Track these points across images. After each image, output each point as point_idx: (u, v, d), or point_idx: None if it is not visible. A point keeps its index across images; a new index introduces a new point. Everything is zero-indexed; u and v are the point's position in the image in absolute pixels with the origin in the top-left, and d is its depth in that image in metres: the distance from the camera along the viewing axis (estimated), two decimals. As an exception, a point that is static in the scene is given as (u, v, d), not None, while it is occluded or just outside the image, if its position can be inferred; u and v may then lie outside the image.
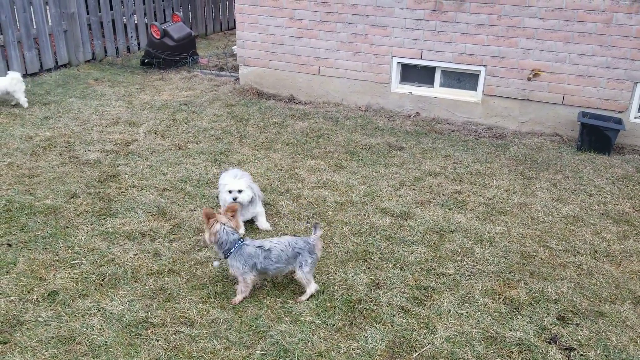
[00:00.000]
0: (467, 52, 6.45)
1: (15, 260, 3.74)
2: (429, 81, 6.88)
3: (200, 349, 3.04)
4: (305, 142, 5.90)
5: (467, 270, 3.78)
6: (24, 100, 6.47)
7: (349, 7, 6.83)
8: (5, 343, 3.04)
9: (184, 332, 3.16)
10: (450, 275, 3.73)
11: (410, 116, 6.84)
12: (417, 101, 6.89)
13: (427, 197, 4.80)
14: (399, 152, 5.73)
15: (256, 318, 3.29)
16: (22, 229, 4.10)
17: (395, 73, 6.93)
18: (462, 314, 3.36)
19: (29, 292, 3.44)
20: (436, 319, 3.32)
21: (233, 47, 8.50)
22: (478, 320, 3.32)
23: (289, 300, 3.44)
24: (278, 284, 3.60)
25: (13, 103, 6.52)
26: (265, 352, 3.04)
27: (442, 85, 6.85)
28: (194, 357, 2.99)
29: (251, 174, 4.71)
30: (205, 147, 5.65)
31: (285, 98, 7.35)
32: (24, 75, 7.68)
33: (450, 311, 3.39)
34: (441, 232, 4.26)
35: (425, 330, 3.23)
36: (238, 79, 7.81)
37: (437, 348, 3.10)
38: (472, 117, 6.65)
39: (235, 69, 8.07)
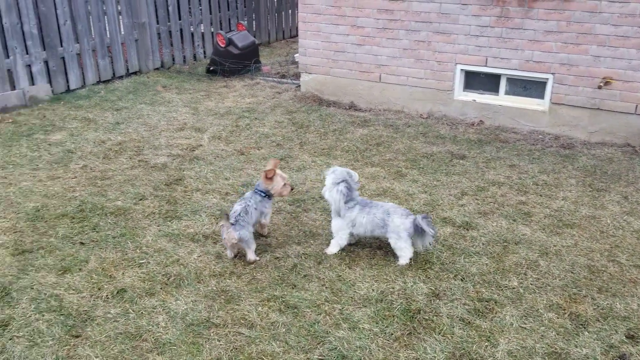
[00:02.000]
0: (534, 59, 6.28)
1: (87, 258, 3.92)
2: (494, 89, 6.74)
3: (259, 351, 3.09)
4: (365, 149, 5.90)
5: (531, 284, 3.67)
6: None
7: (412, 14, 6.80)
8: (77, 337, 3.19)
9: (244, 334, 3.22)
10: (514, 288, 3.64)
11: (473, 124, 6.72)
12: (481, 109, 6.76)
13: (490, 208, 4.69)
14: (461, 161, 5.64)
15: (314, 323, 3.31)
16: (94, 229, 4.30)
17: (459, 80, 6.83)
18: (525, 328, 3.27)
19: (99, 289, 3.60)
20: (498, 332, 3.24)
21: (295, 55, 8.62)
22: (542, 335, 3.22)
23: (348, 307, 3.45)
24: (337, 290, 3.61)
25: None
26: (323, 358, 3.06)
27: (507, 93, 6.70)
28: (253, 359, 3.04)
29: (307, 180, 4.72)
30: (266, 153, 5.75)
31: (345, 105, 7.38)
32: (98, 82, 8.08)
33: (512, 325, 3.30)
34: (504, 243, 4.16)
35: (486, 343, 3.16)
36: (299, 86, 7.91)
37: (498, 362, 3.03)
38: (538, 126, 6.46)
39: (297, 76, 8.17)
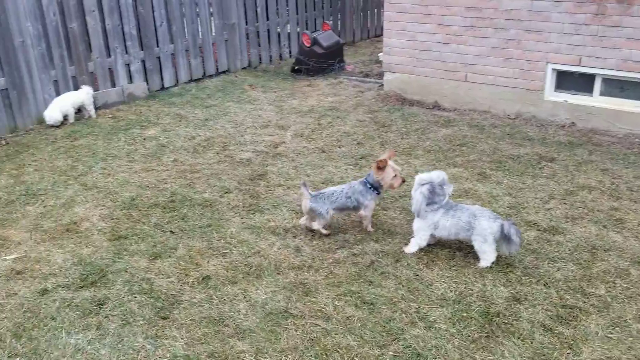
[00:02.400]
0: (633, 58, 5.93)
1: (176, 246, 4.15)
2: (587, 89, 6.43)
3: (335, 343, 3.15)
4: (448, 150, 5.82)
5: (620, 293, 3.49)
6: (94, 113, 6.93)
7: (501, 12, 6.62)
8: (165, 319, 3.39)
9: (320, 326, 3.29)
10: (601, 296, 3.47)
11: (564, 126, 6.44)
12: (573, 110, 6.47)
13: (579, 213, 4.49)
14: (549, 164, 5.43)
15: (390, 320, 3.33)
16: (183, 219, 4.53)
17: (550, 80, 6.57)
18: (611, 338, 3.11)
19: (186, 275, 3.80)
20: (581, 340, 3.11)
21: (379, 54, 8.62)
22: (629, 347, 3.05)
23: (424, 306, 3.44)
24: (413, 288, 3.60)
25: (86, 116, 6.89)
26: (398, 355, 3.07)
27: (602, 94, 6.36)
28: (328, 350, 3.11)
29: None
30: (347, 151, 5.81)
31: (429, 105, 7.30)
32: (190, 81, 8.48)
33: (597, 334, 3.15)
34: (593, 250, 3.97)
35: (568, 351, 3.04)
36: (382, 85, 7.91)
37: (581, 371, 2.92)
38: (636, 129, 6.09)
39: (380, 75, 8.17)
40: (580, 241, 4.08)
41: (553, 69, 6.50)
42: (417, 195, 3.87)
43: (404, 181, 4.18)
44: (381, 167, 4.07)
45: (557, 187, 4.93)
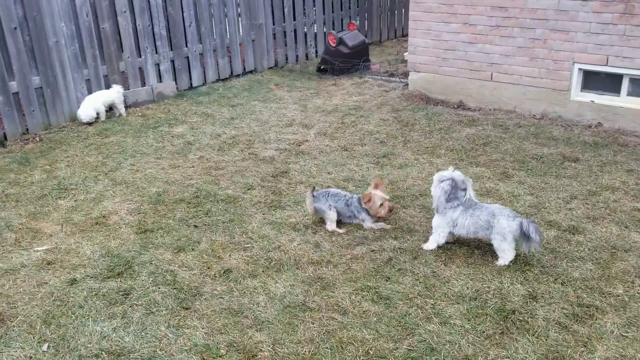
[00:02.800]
0: (662, 57, 5.84)
1: (200, 239, 4.27)
2: (615, 89, 6.35)
3: (350, 337, 3.22)
4: (471, 149, 5.82)
5: (638, 292, 3.47)
6: (124, 111, 7.10)
7: (527, 12, 6.58)
8: (187, 309, 3.51)
9: (336, 319, 3.36)
10: (618, 295, 3.46)
11: (590, 126, 6.37)
12: (600, 110, 6.40)
13: (600, 213, 4.47)
14: (573, 164, 5.39)
15: (405, 315, 3.38)
16: (207, 214, 4.65)
17: (576, 80, 6.51)
18: (627, 337, 3.11)
19: (208, 268, 3.91)
20: (596, 338, 3.12)
21: (404, 54, 8.64)
22: (647, 347, 3.05)
23: (440, 302, 3.48)
24: (430, 285, 3.65)
25: (117, 115, 7.08)
26: (412, 349, 3.12)
27: (629, 94, 6.28)
28: (344, 343, 3.18)
29: (406, 177, 4.75)
30: (369, 150, 5.86)
31: (453, 104, 7.30)
32: (217, 80, 8.64)
33: (613, 332, 3.15)
34: (613, 250, 3.95)
35: (582, 349, 3.05)
36: (407, 84, 7.94)
37: (595, 369, 2.92)
38: (663, 129, 6.00)
39: (405, 75, 8.20)
40: (600, 241, 4.06)
41: (579, 69, 6.44)
42: (437, 191, 3.91)
43: (391, 210, 4.38)
44: (365, 201, 4.31)
45: (580, 187, 4.90)
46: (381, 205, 4.30)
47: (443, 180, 3.88)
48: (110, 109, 7.12)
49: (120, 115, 7.10)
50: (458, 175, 3.92)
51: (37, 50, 6.55)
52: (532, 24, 6.59)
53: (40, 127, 6.71)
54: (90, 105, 6.76)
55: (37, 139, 6.44)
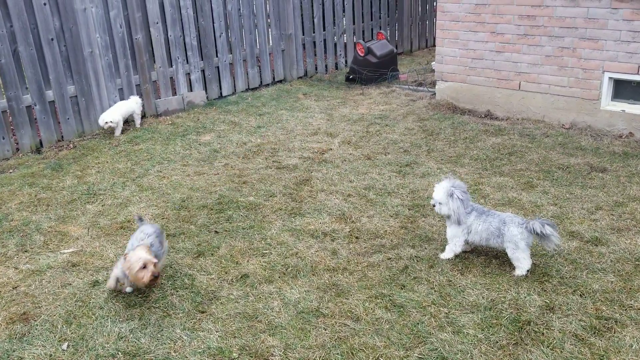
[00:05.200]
0: (696, 65, 5.68)
1: (219, 245, 4.35)
2: (647, 98, 6.21)
3: (361, 343, 3.23)
4: (495, 159, 5.76)
5: (660, 306, 3.38)
6: (139, 122, 7.19)
7: (556, 20, 6.50)
8: (202, 312, 3.58)
9: (349, 326, 3.37)
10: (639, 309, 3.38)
11: (621, 136, 6.23)
12: (631, 120, 6.24)
13: (626, 224, 4.36)
14: (600, 174, 5.28)
15: (418, 323, 3.36)
16: (228, 220, 4.73)
17: (606, 89, 6.37)
18: (644, 351, 3.03)
19: (226, 273, 3.98)
20: (614, 352, 3.04)
21: (432, 63, 8.62)
22: (666, 362, 2.96)
23: (455, 311, 3.45)
24: (445, 294, 3.62)
25: (137, 125, 7.17)
26: (422, 357, 3.11)
27: (662, 103, 6.13)
28: (355, 350, 3.18)
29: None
30: (392, 159, 5.86)
31: (480, 113, 7.24)
32: (247, 90, 8.78)
33: (632, 346, 3.07)
34: (637, 262, 3.85)
35: (598, 363, 2.99)
36: (434, 94, 7.91)
37: (609, 383, 2.85)
38: (698, 140, 5.82)
39: (433, 84, 8.17)
40: (624, 253, 3.96)
41: (610, 78, 6.30)
42: (455, 203, 3.83)
43: (156, 278, 3.55)
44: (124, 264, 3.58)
45: (606, 198, 4.79)
46: (143, 268, 3.49)
47: (453, 193, 3.83)
48: (126, 121, 7.19)
49: (135, 126, 7.16)
50: (458, 181, 3.89)
51: (72, 60, 6.79)
52: (560, 32, 6.50)
53: (75, 134, 6.94)
54: (109, 117, 6.85)
55: (71, 146, 6.67)
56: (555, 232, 3.64)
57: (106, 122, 6.76)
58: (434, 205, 3.93)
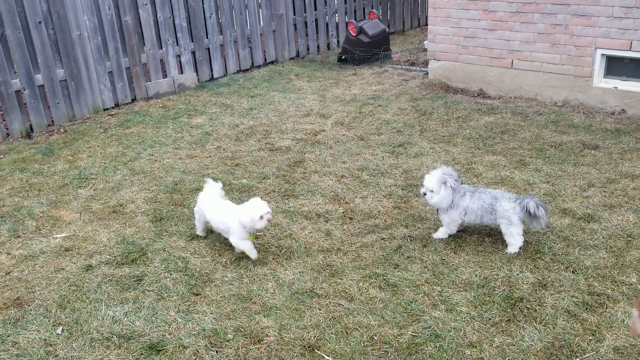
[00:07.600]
0: (688, 41, 5.66)
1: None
2: (639, 75, 6.19)
3: (355, 322, 3.24)
4: (488, 137, 5.75)
5: (651, 281, 3.41)
6: None
7: (548, -3, 6.45)
8: (197, 295, 3.58)
9: (343, 306, 3.39)
10: (631, 284, 3.40)
11: (613, 113, 6.23)
12: (623, 97, 6.24)
13: (618, 201, 4.38)
14: (593, 151, 5.29)
15: (412, 302, 3.38)
16: (221, 202, 4.71)
17: (599, 66, 6.36)
18: (635, 326, 3.05)
19: (220, 256, 3.98)
20: (606, 327, 3.07)
21: (425, 42, 8.56)
22: (657, 336, 2.99)
23: (448, 290, 3.47)
24: (438, 273, 3.64)
25: None
26: (416, 334, 3.13)
27: (655, 79, 6.12)
28: (349, 329, 3.20)
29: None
30: (385, 139, 5.84)
31: (473, 92, 7.21)
32: (238, 71, 8.70)
33: (624, 321, 3.10)
34: (628, 238, 3.88)
35: (590, 337, 3.01)
36: (427, 73, 7.87)
37: (601, 357, 2.89)
38: (690, 116, 5.83)
39: (426, 63, 8.12)
40: (616, 229, 3.98)
41: (602, 55, 6.29)
42: (447, 191, 3.79)
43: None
44: None
45: (599, 175, 4.81)
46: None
47: (447, 180, 3.81)
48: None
49: None
50: (449, 169, 3.89)
51: (61, 44, 6.70)
52: (553, 9, 6.46)
53: (65, 118, 6.87)
54: None
55: (62, 130, 6.61)
56: (546, 216, 3.66)
57: None
58: (424, 194, 3.90)
